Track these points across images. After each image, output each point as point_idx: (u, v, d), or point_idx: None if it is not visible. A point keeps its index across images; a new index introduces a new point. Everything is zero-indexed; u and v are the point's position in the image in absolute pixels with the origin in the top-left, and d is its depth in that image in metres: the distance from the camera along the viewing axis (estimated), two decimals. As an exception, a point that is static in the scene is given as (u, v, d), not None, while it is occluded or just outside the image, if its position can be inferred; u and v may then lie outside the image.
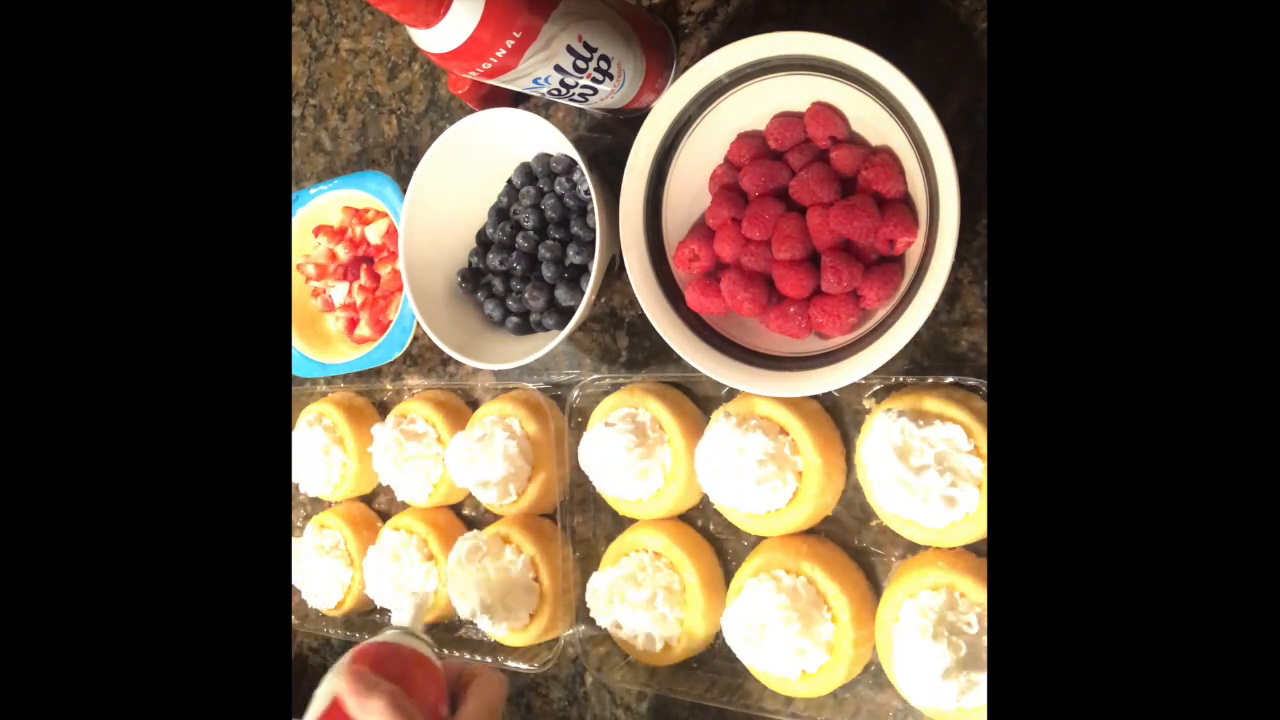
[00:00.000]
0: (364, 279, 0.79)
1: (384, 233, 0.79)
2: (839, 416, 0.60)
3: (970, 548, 0.54)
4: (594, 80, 0.55)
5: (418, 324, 0.73)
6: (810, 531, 0.59)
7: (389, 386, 0.80)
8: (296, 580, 0.79)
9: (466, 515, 0.77)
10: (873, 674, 0.57)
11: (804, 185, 0.54)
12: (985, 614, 0.50)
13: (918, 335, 0.49)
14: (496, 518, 0.72)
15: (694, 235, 0.58)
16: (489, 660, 0.70)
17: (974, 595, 0.50)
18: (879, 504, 0.54)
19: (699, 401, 0.65)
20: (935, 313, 0.49)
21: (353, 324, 0.81)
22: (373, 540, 0.76)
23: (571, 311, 0.63)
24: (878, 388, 0.57)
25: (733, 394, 0.62)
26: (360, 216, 0.81)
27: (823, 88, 0.54)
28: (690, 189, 0.59)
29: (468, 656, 0.72)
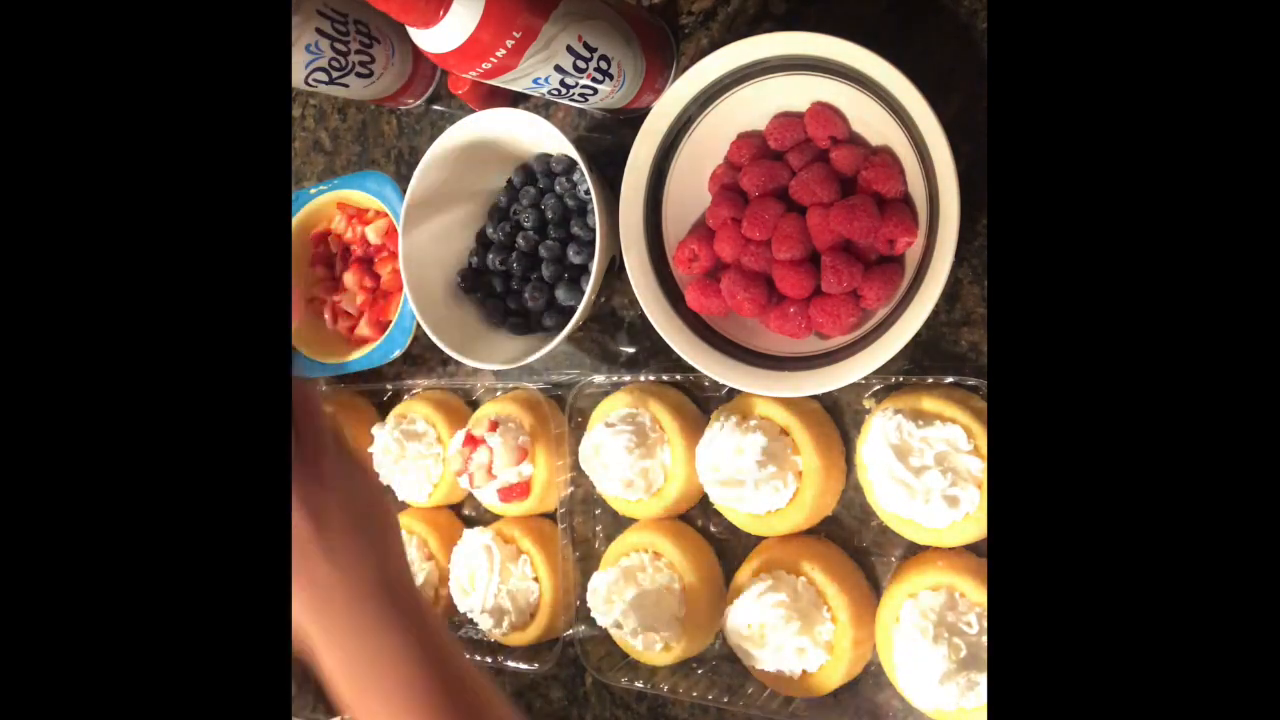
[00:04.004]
0: (364, 279, 0.79)
1: (384, 233, 0.79)
2: (839, 416, 0.60)
3: (970, 548, 0.54)
4: (594, 80, 0.55)
5: (418, 324, 0.73)
6: (810, 531, 0.59)
7: (389, 386, 0.80)
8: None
9: (466, 515, 0.77)
10: (873, 674, 0.57)
11: (804, 185, 0.54)
12: (985, 614, 0.50)
13: (918, 335, 0.49)
14: (497, 518, 0.72)
15: (694, 235, 0.58)
16: (489, 660, 0.70)
17: (974, 595, 0.50)
18: (879, 504, 0.54)
19: (699, 401, 0.65)
20: (935, 313, 0.49)
21: (353, 324, 0.81)
22: (373, 540, 0.76)
23: (571, 311, 0.63)
24: (878, 388, 0.57)
25: (733, 394, 0.62)
26: (360, 216, 0.81)
27: (823, 88, 0.54)
28: (690, 189, 0.59)
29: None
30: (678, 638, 0.60)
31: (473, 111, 0.65)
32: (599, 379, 0.66)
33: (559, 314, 0.65)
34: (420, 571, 0.72)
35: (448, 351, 0.65)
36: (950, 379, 0.53)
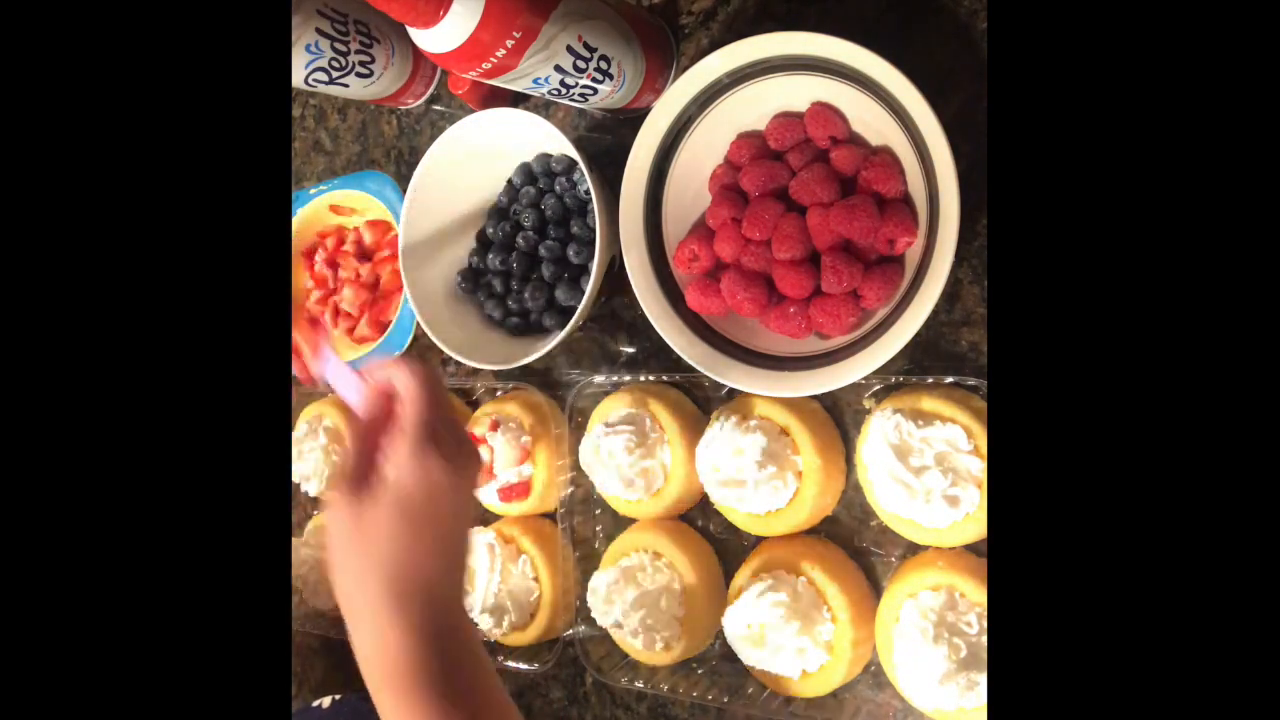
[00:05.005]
0: (364, 279, 0.79)
1: (384, 233, 0.79)
2: (839, 416, 0.60)
3: (970, 548, 0.54)
4: (594, 80, 0.55)
5: (418, 324, 0.73)
6: (810, 531, 0.59)
7: (389, 386, 0.80)
8: (296, 579, 0.79)
9: (466, 515, 0.77)
10: (873, 674, 0.57)
11: (804, 185, 0.54)
12: (985, 614, 0.50)
13: (918, 335, 0.49)
14: (497, 518, 0.72)
15: (694, 235, 0.58)
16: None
17: (974, 595, 0.50)
18: (879, 504, 0.54)
19: (699, 401, 0.65)
20: (935, 313, 0.49)
21: (353, 324, 0.81)
22: (373, 540, 0.76)
23: (571, 311, 0.63)
24: (878, 388, 0.57)
25: (733, 394, 0.62)
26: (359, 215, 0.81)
27: (823, 88, 0.54)
28: (690, 189, 0.59)
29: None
30: (678, 638, 0.60)
31: (473, 111, 0.65)
32: (599, 379, 0.66)
33: (559, 314, 0.65)
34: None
35: (448, 351, 0.65)
36: (950, 379, 0.53)
